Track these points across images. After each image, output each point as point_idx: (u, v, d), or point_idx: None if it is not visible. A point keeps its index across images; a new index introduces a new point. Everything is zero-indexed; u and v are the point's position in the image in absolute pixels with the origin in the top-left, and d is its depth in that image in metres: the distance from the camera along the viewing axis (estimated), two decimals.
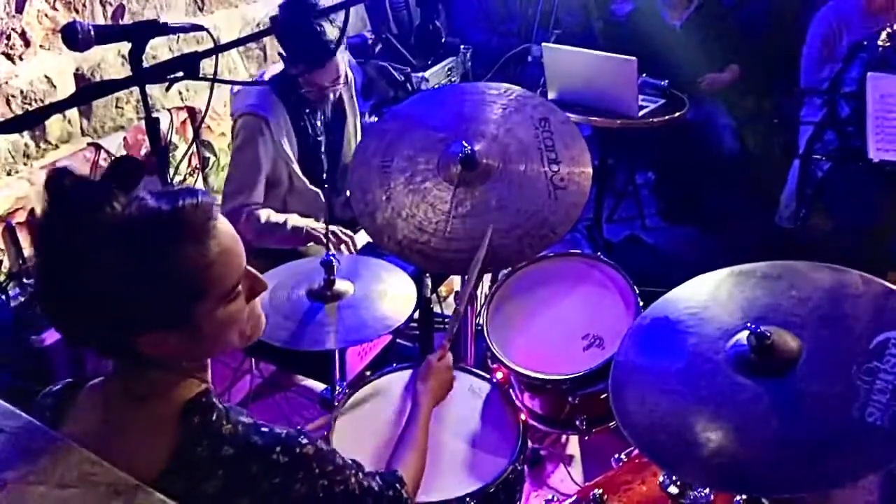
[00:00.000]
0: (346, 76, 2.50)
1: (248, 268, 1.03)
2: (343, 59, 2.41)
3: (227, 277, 0.98)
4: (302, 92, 2.40)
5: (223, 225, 0.98)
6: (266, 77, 2.52)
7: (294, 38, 2.28)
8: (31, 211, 2.30)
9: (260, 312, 1.08)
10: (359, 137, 2.73)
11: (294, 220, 2.47)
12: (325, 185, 2.59)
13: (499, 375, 1.85)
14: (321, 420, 1.62)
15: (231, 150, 2.51)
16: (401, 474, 1.27)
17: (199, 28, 1.57)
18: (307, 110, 2.50)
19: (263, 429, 1.02)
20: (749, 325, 1.30)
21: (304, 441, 1.04)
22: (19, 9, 2.33)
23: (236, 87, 2.61)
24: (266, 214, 2.43)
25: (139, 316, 0.93)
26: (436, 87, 3.57)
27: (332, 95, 2.47)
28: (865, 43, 2.58)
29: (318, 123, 2.56)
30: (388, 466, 1.38)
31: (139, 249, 0.91)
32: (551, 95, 3.05)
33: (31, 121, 1.30)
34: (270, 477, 1.00)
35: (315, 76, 2.34)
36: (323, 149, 2.61)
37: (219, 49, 1.48)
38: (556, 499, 1.68)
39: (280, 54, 2.38)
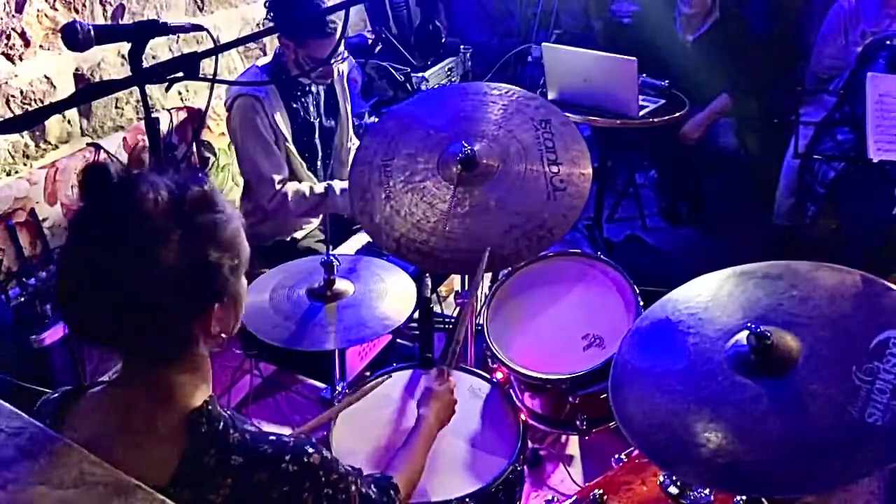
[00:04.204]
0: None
1: None
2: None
3: (246, 246, 1.05)
4: (302, 73, 2.45)
5: None
6: (258, 66, 2.57)
7: (293, 9, 2.33)
8: (31, 211, 2.30)
9: None
10: (351, 125, 2.78)
11: (337, 183, 2.56)
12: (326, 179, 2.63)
13: (499, 375, 1.85)
14: (316, 420, 1.61)
15: (234, 141, 2.55)
16: (395, 481, 1.28)
17: (199, 28, 1.57)
18: (298, 92, 2.55)
19: (271, 437, 1.04)
20: (749, 325, 1.30)
21: (311, 450, 1.05)
22: (19, 9, 2.32)
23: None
24: (307, 187, 2.52)
25: (214, 285, 0.98)
26: (436, 87, 3.57)
27: (334, 72, 2.54)
28: (889, 42, 2.58)
29: (311, 108, 2.60)
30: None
31: (197, 221, 0.96)
32: (551, 95, 3.05)
33: (31, 121, 1.30)
34: (279, 486, 1.00)
35: (315, 48, 2.37)
36: (317, 134, 2.64)
37: (219, 49, 1.47)
38: (556, 499, 1.68)
39: (279, 37, 2.42)
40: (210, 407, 1.02)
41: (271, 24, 2.34)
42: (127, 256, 0.93)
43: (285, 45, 2.43)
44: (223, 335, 1.05)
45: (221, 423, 1.01)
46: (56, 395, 1.08)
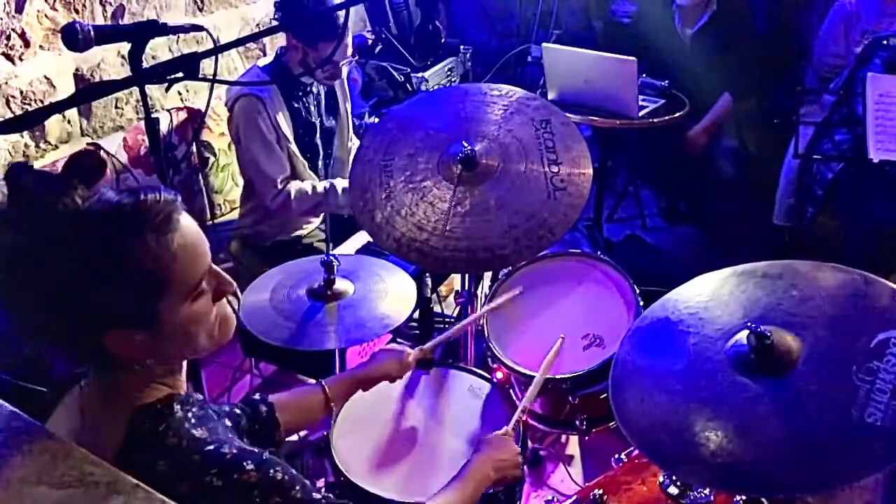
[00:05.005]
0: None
1: (214, 266, 1.02)
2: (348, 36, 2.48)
3: (190, 273, 0.96)
4: (306, 72, 2.45)
5: (187, 220, 0.98)
6: (259, 66, 2.57)
7: (305, 11, 2.35)
8: None
9: (229, 313, 1.05)
10: (351, 125, 2.79)
11: (339, 182, 2.56)
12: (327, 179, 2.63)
13: (499, 375, 1.85)
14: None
15: (236, 141, 2.54)
16: None
17: (199, 28, 1.57)
18: (300, 93, 2.55)
19: (209, 447, 0.96)
20: (749, 324, 1.30)
21: (250, 467, 0.96)
22: (19, 9, 2.32)
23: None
24: (310, 186, 2.53)
25: (102, 311, 0.92)
26: (436, 87, 3.57)
27: (340, 72, 2.54)
28: (885, 42, 2.59)
29: (312, 108, 2.60)
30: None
31: (99, 241, 0.90)
32: (551, 95, 3.05)
33: (31, 121, 1.29)
34: (200, 499, 0.94)
35: (326, 50, 2.37)
36: (318, 133, 2.64)
37: (219, 49, 1.47)
38: (556, 499, 1.68)
39: (288, 36, 2.42)
40: (160, 406, 0.98)
41: (277, 25, 2.34)
42: (17, 256, 0.90)
43: (293, 46, 2.43)
44: (150, 360, 0.98)
45: (164, 425, 0.96)
46: (48, 389, 1.08)
